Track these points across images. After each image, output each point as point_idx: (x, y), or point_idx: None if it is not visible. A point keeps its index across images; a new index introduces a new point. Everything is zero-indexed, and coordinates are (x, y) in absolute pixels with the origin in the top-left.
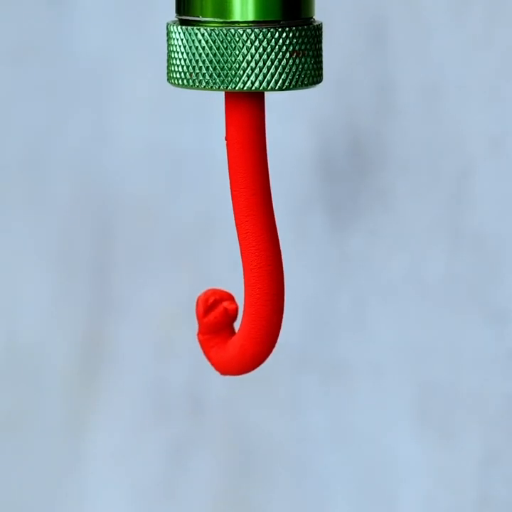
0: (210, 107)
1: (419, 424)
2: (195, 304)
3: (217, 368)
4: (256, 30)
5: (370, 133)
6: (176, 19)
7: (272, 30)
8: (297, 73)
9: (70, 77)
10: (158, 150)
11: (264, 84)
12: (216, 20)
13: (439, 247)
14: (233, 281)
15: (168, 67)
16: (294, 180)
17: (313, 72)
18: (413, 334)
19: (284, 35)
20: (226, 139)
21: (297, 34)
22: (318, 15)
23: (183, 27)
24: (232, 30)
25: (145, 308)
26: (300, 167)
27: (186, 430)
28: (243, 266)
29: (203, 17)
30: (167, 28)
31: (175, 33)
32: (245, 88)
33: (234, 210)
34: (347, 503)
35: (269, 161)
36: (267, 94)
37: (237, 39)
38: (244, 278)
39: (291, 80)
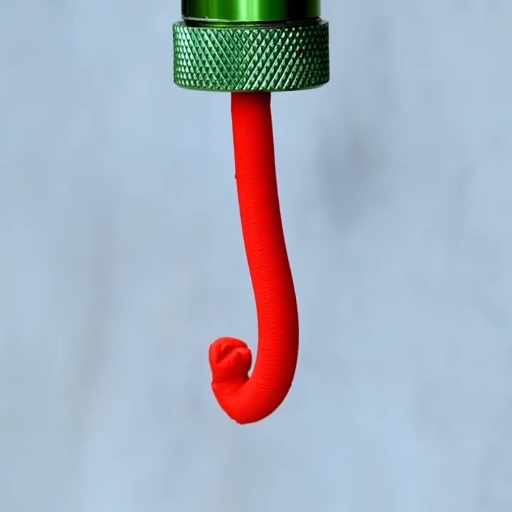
0: (211, 106)
1: (419, 424)
2: (207, 351)
3: (233, 416)
4: (262, 30)
5: (371, 133)
6: (182, 20)
7: (278, 30)
8: (304, 73)
9: (70, 77)
10: (158, 150)
11: (271, 84)
12: (222, 20)
13: (439, 246)
14: (233, 281)
15: (174, 68)
16: (294, 179)
17: (319, 71)
18: (413, 334)
19: (291, 35)
20: (236, 177)
21: (304, 34)
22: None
23: (190, 28)
24: (239, 31)
25: (145, 308)
26: (301, 166)
27: (186, 430)
28: (256, 300)
29: (209, 18)
30: (173, 29)
31: (181, 34)
32: (252, 88)
33: (245, 244)
34: (347, 503)
35: None
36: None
37: (244, 39)
38: (257, 313)
39: (298, 80)
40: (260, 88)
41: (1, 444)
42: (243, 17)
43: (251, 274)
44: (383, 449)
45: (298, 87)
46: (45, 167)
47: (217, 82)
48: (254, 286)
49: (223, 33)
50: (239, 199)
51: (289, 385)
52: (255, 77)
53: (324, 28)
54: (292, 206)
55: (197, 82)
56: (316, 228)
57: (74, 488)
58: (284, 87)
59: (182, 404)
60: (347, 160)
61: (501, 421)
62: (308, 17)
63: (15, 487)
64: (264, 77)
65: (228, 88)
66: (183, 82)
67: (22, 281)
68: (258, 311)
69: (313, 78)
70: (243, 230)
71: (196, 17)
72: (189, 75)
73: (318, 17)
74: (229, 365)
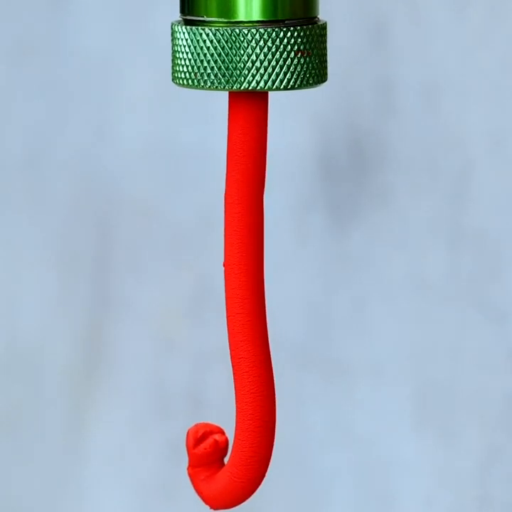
0: (211, 106)
1: (419, 424)
2: (185, 434)
3: (207, 502)
4: (260, 29)
5: (371, 132)
6: (181, 19)
7: (276, 29)
8: (302, 73)
9: (70, 77)
10: (158, 149)
11: (269, 83)
12: (221, 20)
13: (440, 246)
14: None
15: (172, 67)
16: (294, 179)
17: (318, 71)
18: (413, 334)
19: (289, 34)
20: (224, 265)
21: (302, 33)
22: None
23: (188, 27)
24: (237, 30)
25: (145, 307)
26: (301, 166)
27: (186, 430)
28: (235, 391)
29: (207, 17)
30: (172, 28)
31: (179, 33)
32: (250, 88)
33: (228, 334)
34: (347, 503)
35: (270, 161)
36: (269, 93)
37: (242, 39)
38: (236, 403)
39: (296, 80)
40: (258, 88)
41: (1, 444)
42: (241, 16)
43: (232, 363)
44: (383, 448)
45: (296, 86)
46: (45, 167)
47: (215, 81)
48: (234, 376)
49: (221, 33)
50: (225, 290)
51: (263, 475)
52: (253, 76)
53: (322, 28)
54: (292, 206)
55: (195, 81)
56: (316, 228)
57: (74, 488)
58: (281, 87)
59: (182, 404)
60: (347, 160)
61: (501, 421)
62: (307, 17)
63: (15, 487)
64: (262, 76)
65: (226, 87)
66: (181, 81)
67: (22, 281)
68: (236, 400)
69: (311, 78)
70: (227, 319)
71: (195, 16)
72: (187, 74)
73: (316, 17)
74: (205, 452)
